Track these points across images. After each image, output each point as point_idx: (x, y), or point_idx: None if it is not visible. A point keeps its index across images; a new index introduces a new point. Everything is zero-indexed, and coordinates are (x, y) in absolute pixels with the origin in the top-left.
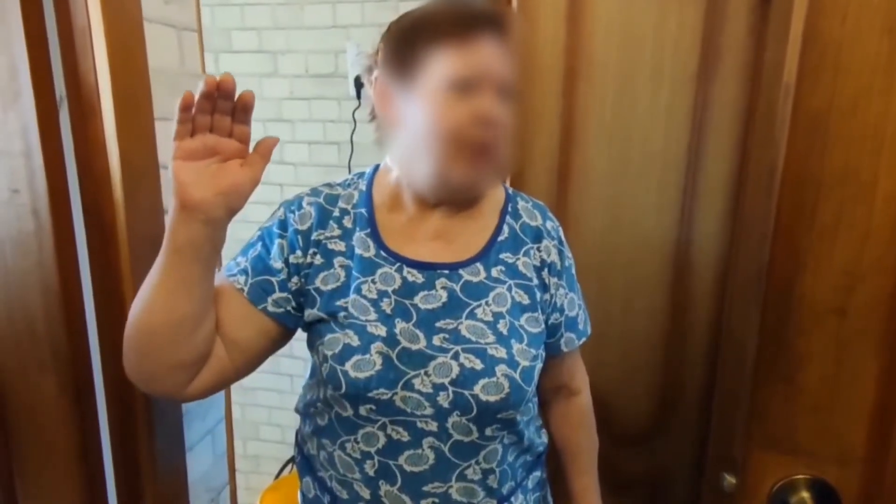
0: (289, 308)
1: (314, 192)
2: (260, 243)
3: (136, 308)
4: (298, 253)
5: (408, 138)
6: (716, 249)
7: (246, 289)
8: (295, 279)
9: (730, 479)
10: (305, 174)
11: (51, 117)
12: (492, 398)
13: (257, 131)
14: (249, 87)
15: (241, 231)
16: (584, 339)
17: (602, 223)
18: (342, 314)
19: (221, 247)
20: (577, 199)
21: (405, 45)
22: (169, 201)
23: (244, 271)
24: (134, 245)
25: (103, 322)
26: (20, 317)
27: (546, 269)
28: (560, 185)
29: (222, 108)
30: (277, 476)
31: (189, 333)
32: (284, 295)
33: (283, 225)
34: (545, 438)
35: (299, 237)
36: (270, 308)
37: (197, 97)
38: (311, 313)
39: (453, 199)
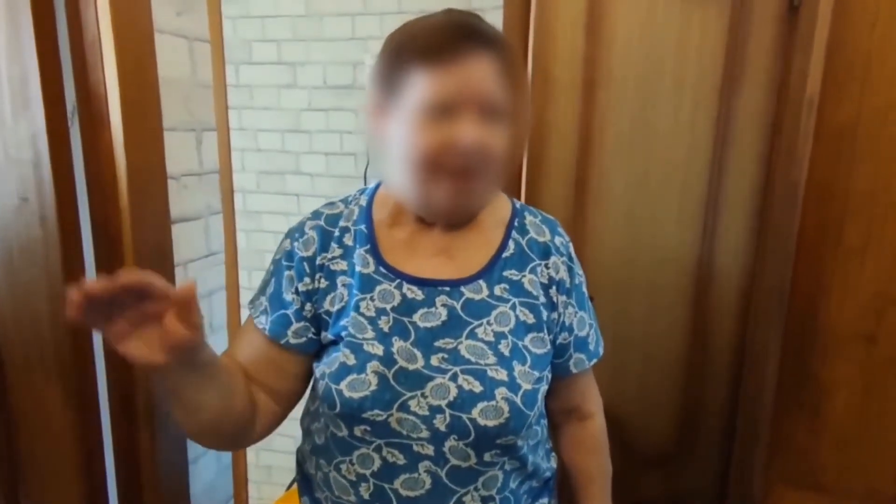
0: (309, 335)
1: (315, 214)
2: (273, 279)
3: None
4: (307, 280)
5: (392, 157)
6: (739, 266)
7: (267, 327)
8: (308, 306)
9: None
10: (322, 185)
11: (60, 127)
12: (490, 423)
13: (276, 142)
14: (269, 97)
15: (258, 241)
16: (595, 360)
17: (621, 239)
18: (343, 333)
19: (206, 349)
20: (595, 213)
21: (391, 62)
22: (176, 211)
23: (265, 311)
24: (140, 254)
25: None
26: (27, 325)
27: (554, 287)
28: (577, 200)
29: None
30: (289, 487)
31: (223, 424)
32: (302, 324)
33: (290, 256)
34: (553, 463)
35: (305, 264)
36: (292, 340)
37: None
38: (325, 336)
39: (444, 219)
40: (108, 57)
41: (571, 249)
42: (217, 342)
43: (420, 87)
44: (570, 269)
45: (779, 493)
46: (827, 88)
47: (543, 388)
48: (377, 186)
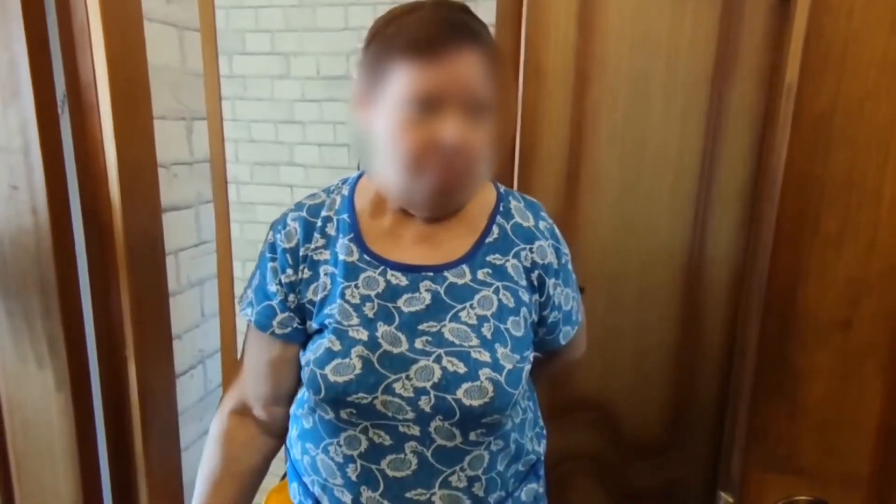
0: (295, 325)
1: (298, 206)
2: (258, 272)
3: None
4: (289, 272)
5: (377, 149)
6: (730, 258)
7: (253, 318)
8: (291, 297)
9: (727, 499)
10: (315, 176)
11: (50, 115)
12: (475, 402)
13: (269, 132)
14: (262, 88)
15: (252, 232)
16: (577, 327)
17: (613, 230)
18: (329, 320)
19: None
20: (587, 205)
21: (377, 53)
22: (166, 200)
23: (251, 303)
24: (131, 243)
25: (100, 319)
26: (19, 313)
27: (538, 271)
28: (569, 192)
29: None
30: (284, 478)
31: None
32: (287, 314)
33: (273, 248)
34: (542, 448)
35: (288, 255)
36: (277, 331)
37: None
38: (310, 325)
39: (426, 214)
40: (97, 45)
41: (556, 230)
42: (209, 330)
43: (406, 80)
44: (558, 251)
45: (757, 476)
46: (805, 77)
47: (527, 367)
48: (359, 176)
